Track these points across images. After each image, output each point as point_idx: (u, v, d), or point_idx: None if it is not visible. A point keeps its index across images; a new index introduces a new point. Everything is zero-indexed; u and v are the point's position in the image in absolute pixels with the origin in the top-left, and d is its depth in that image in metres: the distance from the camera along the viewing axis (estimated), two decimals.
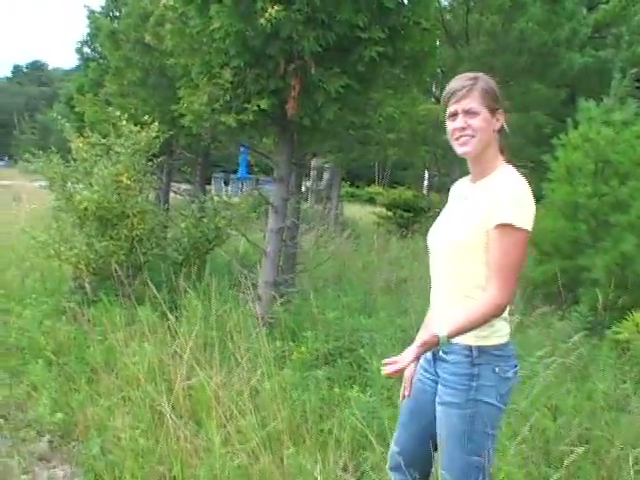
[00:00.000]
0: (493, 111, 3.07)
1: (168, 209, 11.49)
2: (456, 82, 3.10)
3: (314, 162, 25.17)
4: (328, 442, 4.69)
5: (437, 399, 3.16)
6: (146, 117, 9.02)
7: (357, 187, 50.12)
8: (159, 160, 9.63)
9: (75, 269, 8.15)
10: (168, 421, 4.68)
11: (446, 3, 18.51)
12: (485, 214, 2.95)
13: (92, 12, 15.78)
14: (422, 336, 3.04)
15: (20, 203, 16.25)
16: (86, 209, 8.11)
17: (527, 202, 2.94)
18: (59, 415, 5.08)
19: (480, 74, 3.12)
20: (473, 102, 3.02)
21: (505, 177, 3.02)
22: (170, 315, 6.20)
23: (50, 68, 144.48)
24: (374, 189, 37.47)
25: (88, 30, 17.32)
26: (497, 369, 3.02)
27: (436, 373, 3.22)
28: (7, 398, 5.39)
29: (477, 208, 3.02)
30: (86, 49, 18.39)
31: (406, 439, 3.41)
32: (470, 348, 3.02)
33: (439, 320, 3.14)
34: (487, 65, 16.43)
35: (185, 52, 7.33)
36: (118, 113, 8.96)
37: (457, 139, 3.09)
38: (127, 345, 6.02)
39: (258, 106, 6.70)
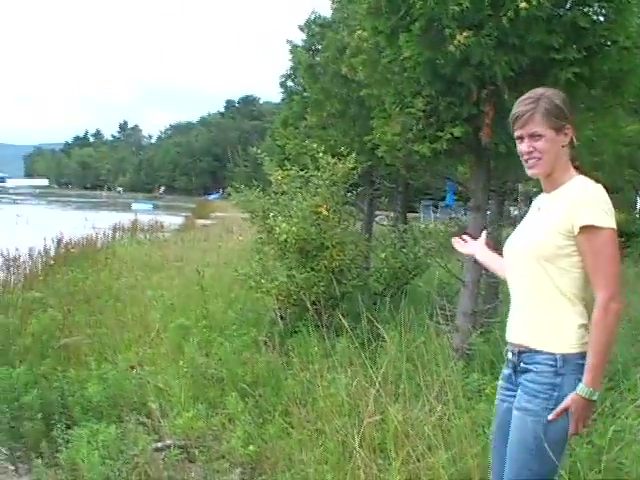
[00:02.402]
0: (559, 128, 3.14)
1: (370, 239, 11.52)
2: (519, 106, 3.21)
3: (521, 187, 24.56)
4: None
5: (515, 404, 3.18)
6: (342, 148, 9.09)
7: None
8: (359, 190, 9.68)
9: (276, 300, 8.31)
10: (356, 456, 4.66)
11: None
12: (559, 218, 3.07)
13: (295, 46, 16.15)
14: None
15: (230, 235, 16.89)
16: (286, 241, 8.27)
17: (603, 201, 3.03)
18: (252, 447, 5.16)
19: (543, 91, 3.20)
20: (536, 126, 3.13)
21: (577, 184, 3.13)
22: (366, 347, 6.19)
23: (261, 102, 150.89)
24: None
25: (291, 64, 17.69)
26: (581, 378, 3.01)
27: (517, 384, 3.21)
28: (203, 429, 5.54)
29: (550, 214, 3.16)
30: (290, 83, 18.81)
31: (498, 463, 3.36)
32: (554, 357, 3.06)
33: (515, 324, 3.28)
34: None
35: (377, 82, 7.36)
36: (315, 145, 9.11)
37: (526, 162, 3.23)
38: (322, 377, 6.06)
39: (452, 134, 6.60)
